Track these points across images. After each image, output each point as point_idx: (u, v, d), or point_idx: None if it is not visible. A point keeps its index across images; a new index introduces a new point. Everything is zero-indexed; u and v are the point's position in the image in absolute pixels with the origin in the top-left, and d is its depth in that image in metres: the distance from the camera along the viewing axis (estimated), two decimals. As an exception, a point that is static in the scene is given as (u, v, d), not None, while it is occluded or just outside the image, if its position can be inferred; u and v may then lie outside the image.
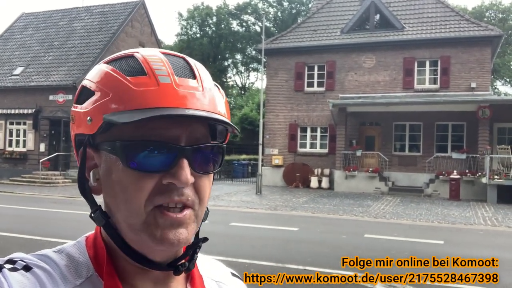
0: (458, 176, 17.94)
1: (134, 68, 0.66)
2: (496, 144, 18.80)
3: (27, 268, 0.64)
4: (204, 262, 0.83)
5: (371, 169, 19.83)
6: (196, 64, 0.70)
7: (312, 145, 22.65)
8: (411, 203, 16.33)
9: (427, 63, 21.03)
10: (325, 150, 22.17)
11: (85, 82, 0.70)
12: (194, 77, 0.67)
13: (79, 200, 14.45)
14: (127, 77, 0.65)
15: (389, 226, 11.72)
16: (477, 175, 17.92)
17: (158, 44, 28.59)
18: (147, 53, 0.68)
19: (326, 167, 21.76)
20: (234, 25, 51.25)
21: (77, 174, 0.72)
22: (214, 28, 50.58)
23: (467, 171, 18.38)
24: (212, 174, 0.71)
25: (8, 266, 0.64)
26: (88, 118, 0.66)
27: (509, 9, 42.71)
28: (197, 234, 0.73)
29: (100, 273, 0.68)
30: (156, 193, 0.64)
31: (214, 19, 50.31)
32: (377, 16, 23.00)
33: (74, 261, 0.69)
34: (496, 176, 16.96)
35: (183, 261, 0.71)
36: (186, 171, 0.63)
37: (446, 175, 18.56)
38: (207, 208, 0.73)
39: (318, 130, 22.51)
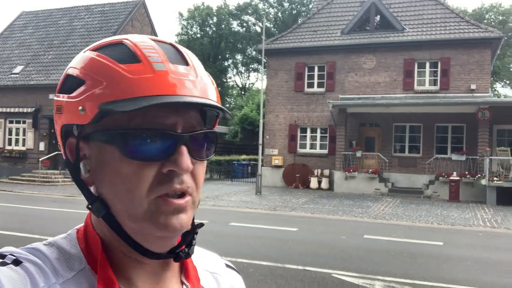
0: (458, 178, 17.95)
1: (125, 55, 0.64)
2: (496, 146, 18.81)
3: (16, 262, 0.62)
4: (199, 254, 0.83)
5: (371, 170, 19.83)
6: (186, 51, 0.70)
7: (312, 146, 22.65)
8: (410, 204, 16.33)
9: (427, 65, 21.03)
10: (325, 151, 22.17)
11: (70, 71, 0.68)
12: (187, 63, 0.67)
13: (79, 199, 14.45)
14: (120, 65, 0.63)
15: (388, 227, 11.72)
16: (477, 176, 17.92)
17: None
18: (137, 40, 0.67)
19: (326, 168, 21.77)
20: (235, 25, 51.35)
21: (68, 167, 0.69)
22: (214, 28, 50.64)
23: (466, 172, 18.39)
24: (205, 161, 0.71)
25: None
26: (80, 107, 0.64)
27: (509, 11, 42.73)
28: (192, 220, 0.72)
29: (93, 266, 0.67)
30: (157, 182, 0.63)
31: (215, 19, 50.37)
32: (378, 17, 23.00)
33: (66, 254, 0.68)
34: (495, 178, 16.96)
35: (182, 247, 0.70)
36: (187, 158, 0.63)
37: (445, 176, 18.57)
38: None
39: (318, 130, 22.51)
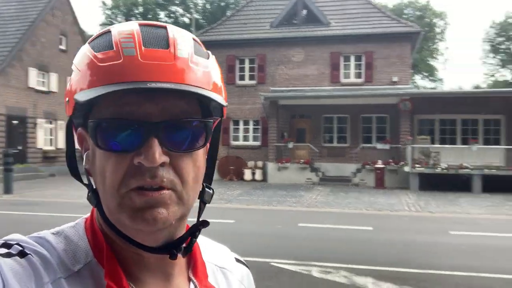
0: (383, 166, 18.95)
1: (104, 43, 0.63)
2: (417, 134, 20.05)
3: (22, 254, 0.60)
4: (208, 248, 0.80)
5: (302, 160, 20.36)
6: (177, 33, 0.65)
7: (245, 138, 22.83)
8: (340, 192, 16.99)
9: (352, 58, 21.92)
10: (258, 143, 22.43)
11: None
12: (168, 46, 0.62)
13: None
14: (95, 53, 0.62)
15: (321, 215, 12.12)
16: (400, 164, 19.03)
17: (81, 33, 27.25)
18: (122, 27, 0.65)
19: (259, 159, 22.03)
20: (162, 16, 50.10)
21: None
22: (140, 19, 49.15)
23: (390, 160, 19.44)
24: (201, 152, 0.66)
25: (2, 250, 0.60)
26: (67, 99, 0.66)
27: (425, 7, 45.59)
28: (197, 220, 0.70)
29: (99, 259, 0.65)
30: (130, 175, 0.60)
31: (141, 9, 48.84)
32: (305, 11, 23.55)
33: (73, 245, 0.66)
34: (417, 165, 18.11)
35: (183, 245, 0.67)
36: (154, 150, 0.59)
37: (371, 164, 19.52)
38: (211, 189, 0.71)
39: (251, 123, 22.71)
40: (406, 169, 18.35)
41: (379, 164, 18.98)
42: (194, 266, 0.73)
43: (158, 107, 0.60)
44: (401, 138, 19.25)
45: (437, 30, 46.68)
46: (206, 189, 0.71)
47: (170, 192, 0.62)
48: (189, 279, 0.72)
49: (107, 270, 0.63)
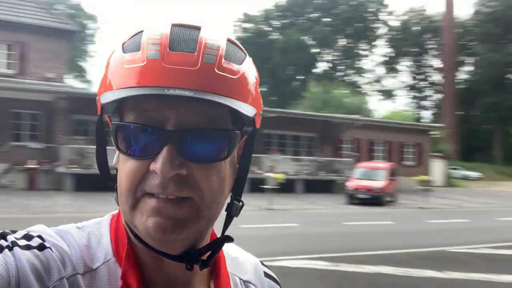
0: (35, 166, 17.88)
1: (133, 44, 0.61)
2: (74, 134, 19.83)
3: (41, 247, 0.59)
4: (236, 259, 0.77)
5: None
6: (209, 35, 0.61)
7: None
8: (-16, 196, 14.97)
9: (4, 47, 19.73)
10: None
11: None
12: (195, 50, 0.59)
13: None
14: (124, 54, 0.61)
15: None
16: (55, 164, 18.39)
17: None
18: (154, 27, 0.62)
19: None
20: None
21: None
22: None
23: (44, 160, 18.52)
24: (227, 162, 0.63)
25: (22, 242, 0.59)
26: (97, 98, 0.64)
27: (77, 7, 45.47)
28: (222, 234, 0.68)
29: (119, 258, 0.64)
30: (146, 179, 0.59)
31: None
32: None
33: (95, 242, 0.65)
34: (72, 165, 17.95)
35: (205, 257, 0.65)
36: (166, 160, 0.56)
37: (22, 164, 18.06)
38: (241, 201, 0.68)
39: None
40: (61, 169, 17.94)
41: (31, 164, 17.80)
42: (217, 277, 0.71)
43: (178, 115, 0.58)
44: (56, 137, 18.66)
45: (89, 31, 47.39)
46: (235, 201, 0.67)
47: (185, 204, 0.59)
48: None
49: (124, 270, 0.63)
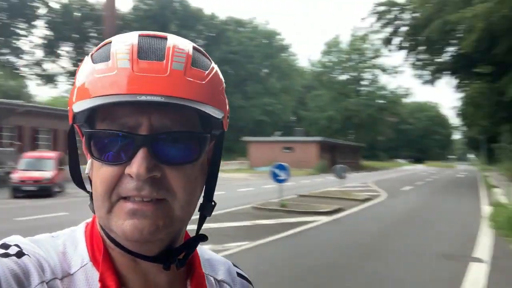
0: None
1: (103, 55, 0.64)
2: None
3: (19, 254, 0.61)
4: (209, 261, 0.80)
5: None
6: (177, 43, 0.65)
7: None
8: None
9: None
10: None
11: None
12: (163, 58, 0.62)
13: None
14: (94, 64, 0.64)
15: None
16: None
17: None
18: (122, 38, 0.66)
19: None
20: None
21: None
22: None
23: None
24: (198, 164, 0.66)
25: (0, 251, 0.61)
26: (68, 108, 0.66)
27: None
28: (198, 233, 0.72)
29: (95, 263, 0.66)
30: (121, 184, 0.61)
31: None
32: None
33: (71, 248, 0.67)
34: None
35: (181, 256, 0.68)
36: (141, 163, 0.59)
37: None
38: (213, 201, 0.71)
39: None
40: None
41: None
42: (193, 276, 0.73)
43: (150, 120, 0.60)
44: None
45: None
46: (207, 202, 0.71)
47: (160, 205, 0.61)
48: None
49: (101, 272, 0.64)
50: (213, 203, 0.72)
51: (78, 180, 0.70)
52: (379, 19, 37.23)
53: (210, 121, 0.65)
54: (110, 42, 0.66)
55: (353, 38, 63.26)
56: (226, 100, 0.71)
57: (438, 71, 37.82)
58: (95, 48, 0.68)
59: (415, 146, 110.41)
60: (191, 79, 0.63)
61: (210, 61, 0.69)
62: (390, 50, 38.91)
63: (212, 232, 9.71)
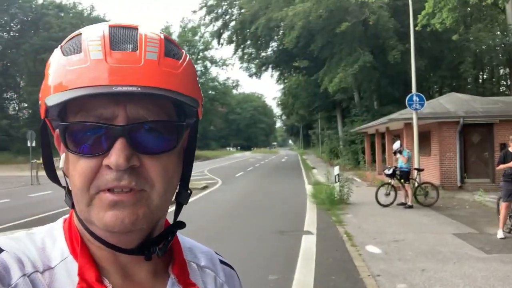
0: None
1: (73, 47, 0.63)
2: None
3: None
4: (191, 248, 0.80)
5: None
6: (147, 34, 0.65)
7: None
8: None
9: None
10: None
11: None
12: (136, 48, 0.62)
13: None
14: (65, 56, 0.63)
15: None
16: None
17: None
18: (92, 29, 0.65)
19: None
20: None
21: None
22: None
23: None
24: (175, 153, 0.66)
25: None
26: (40, 102, 0.65)
27: None
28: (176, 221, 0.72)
29: (76, 256, 0.65)
30: (99, 176, 0.61)
31: None
32: None
33: (50, 244, 0.66)
34: None
35: (161, 245, 0.68)
36: (120, 153, 0.59)
37: None
38: (189, 190, 0.72)
39: None
40: None
41: None
42: (175, 262, 0.73)
43: (126, 110, 0.60)
44: None
45: None
46: (183, 190, 0.71)
47: (139, 195, 0.62)
48: (168, 276, 0.72)
49: (80, 266, 0.64)
50: (189, 191, 0.72)
51: (53, 175, 0.69)
52: (209, 12, 38.29)
53: (185, 110, 0.66)
54: (80, 34, 0.65)
55: (182, 30, 63.60)
56: (199, 88, 0.71)
57: (263, 65, 40.74)
58: (64, 41, 0.67)
59: (243, 134, 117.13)
60: (166, 69, 0.63)
61: (181, 50, 0.69)
62: (220, 44, 40.26)
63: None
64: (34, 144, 23.46)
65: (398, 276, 5.94)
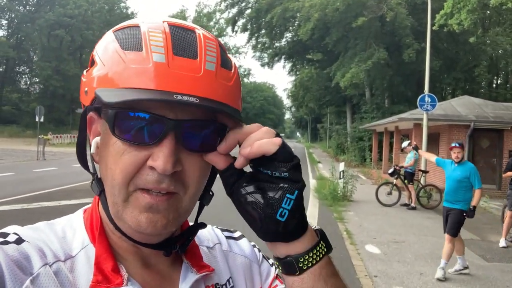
0: None
1: (133, 41, 0.62)
2: None
3: (19, 241, 0.61)
4: (198, 236, 0.80)
5: None
6: (205, 40, 0.64)
7: None
8: None
9: None
10: None
11: (94, 50, 0.67)
12: (196, 56, 0.62)
13: None
14: (124, 51, 0.61)
15: None
16: None
17: None
18: (151, 24, 0.64)
19: None
20: None
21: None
22: None
23: None
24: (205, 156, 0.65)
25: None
26: (85, 89, 0.65)
27: None
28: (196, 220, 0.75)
29: (95, 243, 0.67)
30: (140, 174, 0.61)
31: None
32: None
33: (70, 233, 0.68)
34: None
35: (180, 243, 0.71)
36: (168, 159, 0.59)
37: None
38: (211, 192, 0.73)
39: None
40: None
41: None
42: (188, 250, 0.75)
43: (176, 112, 0.61)
44: None
45: None
46: (207, 192, 0.72)
47: (172, 199, 0.63)
48: (182, 262, 0.74)
49: (97, 255, 0.65)
50: (211, 193, 0.74)
51: (84, 161, 0.69)
52: (225, -1, 38.08)
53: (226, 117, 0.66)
54: (138, 27, 0.64)
55: (197, 14, 63.48)
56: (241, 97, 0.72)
57: (276, 55, 40.52)
58: (117, 27, 0.66)
59: (252, 123, 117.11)
60: (221, 81, 0.64)
61: (230, 59, 0.70)
62: (234, 31, 40.15)
63: (46, 211, 9.15)
64: (42, 120, 23.56)
65: (396, 278, 5.89)
